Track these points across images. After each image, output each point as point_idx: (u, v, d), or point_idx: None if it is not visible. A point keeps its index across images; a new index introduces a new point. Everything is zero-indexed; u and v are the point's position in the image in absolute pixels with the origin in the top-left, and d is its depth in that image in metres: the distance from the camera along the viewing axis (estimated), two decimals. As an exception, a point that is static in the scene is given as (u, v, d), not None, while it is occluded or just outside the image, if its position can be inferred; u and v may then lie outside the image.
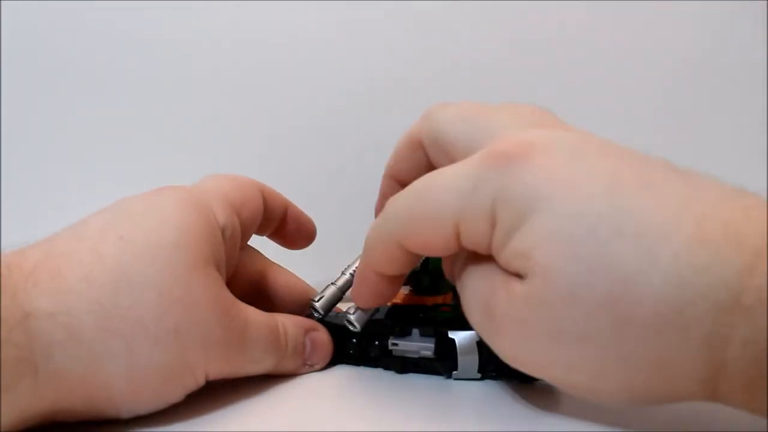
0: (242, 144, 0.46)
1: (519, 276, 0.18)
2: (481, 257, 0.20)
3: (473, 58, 0.45)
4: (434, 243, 0.20)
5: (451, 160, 0.22)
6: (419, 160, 0.25)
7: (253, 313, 0.24)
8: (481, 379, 0.25)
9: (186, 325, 0.21)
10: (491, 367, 0.25)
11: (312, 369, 0.26)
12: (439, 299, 0.29)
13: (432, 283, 0.30)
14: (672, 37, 0.46)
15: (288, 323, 0.25)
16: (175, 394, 0.21)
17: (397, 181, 0.27)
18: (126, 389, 0.20)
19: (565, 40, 0.45)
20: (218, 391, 0.23)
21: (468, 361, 0.25)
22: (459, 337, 0.25)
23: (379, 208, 0.27)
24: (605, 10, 0.45)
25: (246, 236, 0.28)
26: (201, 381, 0.22)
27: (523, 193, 0.18)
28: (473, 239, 0.19)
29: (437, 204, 0.20)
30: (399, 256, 0.22)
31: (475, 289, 0.20)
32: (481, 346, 0.25)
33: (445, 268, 0.23)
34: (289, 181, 0.34)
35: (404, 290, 0.31)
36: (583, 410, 0.22)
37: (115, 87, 0.45)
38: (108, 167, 0.45)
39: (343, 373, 0.27)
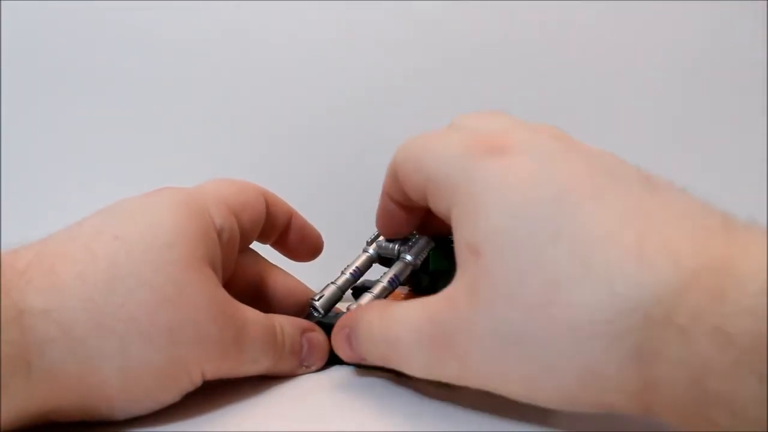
0: (242, 144, 0.46)
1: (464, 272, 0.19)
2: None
3: (473, 58, 0.45)
4: (411, 186, 0.22)
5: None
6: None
7: (250, 313, 0.24)
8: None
9: (180, 324, 0.21)
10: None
11: (308, 370, 0.26)
12: None
13: (431, 282, 0.30)
14: (672, 37, 0.46)
15: (285, 323, 0.25)
16: (170, 394, 0.21)
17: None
18: (120, 388, 0.20)
19: (566, 40, 0.45)
20: (215, 392, 0.23)
21: (467, 362, 0.25)
22: (458, 337, 0.25)
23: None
24: (605, 10, 0.45)
25: (246, 240, 0.28)
26: (197, 381, 0.22)
27: (483, 184, 0.19)
28: (437, 203, 0.21)
29: (425, 155, 0.21)
30: (395, 184, 0.23)
31: (410, 320, 0.21)
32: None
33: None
34: (288, 181, 0.34)
35: (403, 290, 0.31)
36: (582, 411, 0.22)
37: (115, 87, 0.45)
38: (108, 167, 0.45)
39: (341, 373, 0.26)
